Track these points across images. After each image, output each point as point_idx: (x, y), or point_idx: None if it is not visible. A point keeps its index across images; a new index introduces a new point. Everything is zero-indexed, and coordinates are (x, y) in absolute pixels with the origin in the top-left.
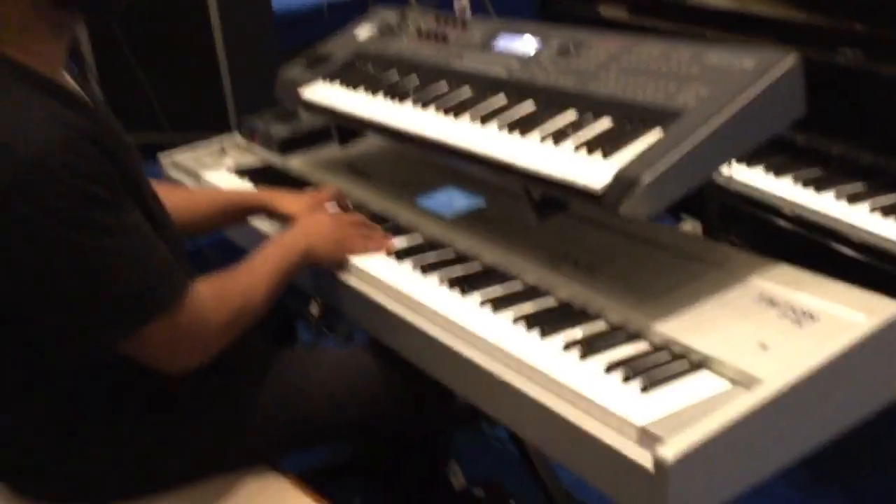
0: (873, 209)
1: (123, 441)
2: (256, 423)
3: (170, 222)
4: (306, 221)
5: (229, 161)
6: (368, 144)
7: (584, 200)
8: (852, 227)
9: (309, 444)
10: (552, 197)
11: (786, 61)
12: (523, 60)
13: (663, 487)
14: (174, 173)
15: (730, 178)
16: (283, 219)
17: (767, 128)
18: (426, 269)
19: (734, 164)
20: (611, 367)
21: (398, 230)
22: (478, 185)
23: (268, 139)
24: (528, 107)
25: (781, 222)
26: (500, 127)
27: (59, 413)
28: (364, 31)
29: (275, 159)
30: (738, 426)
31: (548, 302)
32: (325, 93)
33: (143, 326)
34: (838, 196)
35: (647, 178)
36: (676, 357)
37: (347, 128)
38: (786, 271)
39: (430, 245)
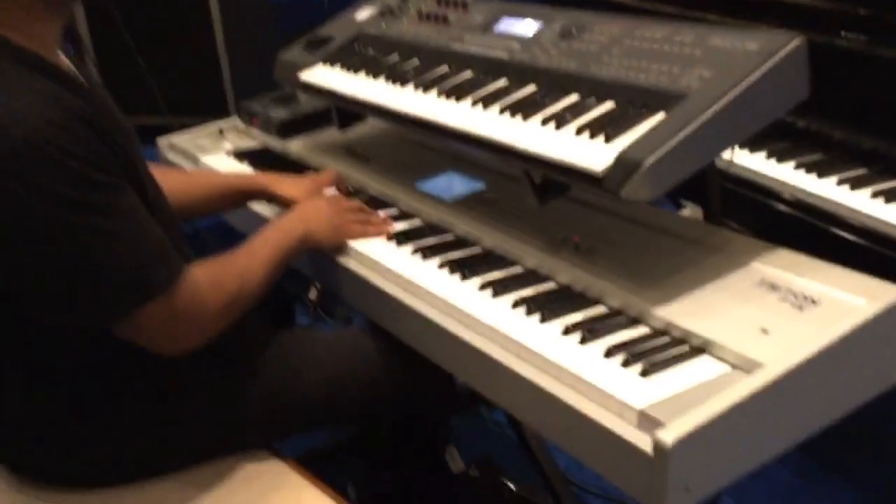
0: (875, 194)
1: (122, 425)
2: (256, 407)
3: (167, 204)
4: (305, 206)
5: (228, 145)
6: (368, 128)
7: (586, 183)
8: (854, 211)
9: (308, 427)
10: (552, 180)
11: (790, 43)
12: (525, 43)
13: (663, 471)
14: (172, 156)
15: (731, 163)
16: (283, 203)
17: (771, 111)
18: (426, 252)
19: (736, 150)
20: (610, 352)
21: (398, 214)
22: (478, 169)
23: (267, 123)
24: (529, 90)
25: (782, 207)
26: (502, 110)
27: (58, 396)
28: (364, 13)
29: (274, 143)
30: (738, 410)
31: (548, 286)
32: (324, 75)
33: (138, 309)
34: (840, 181)
35: (649, 160)
36: (676, 341)
37: (347, 111)
38: (787, 256)
39: (429, 229)
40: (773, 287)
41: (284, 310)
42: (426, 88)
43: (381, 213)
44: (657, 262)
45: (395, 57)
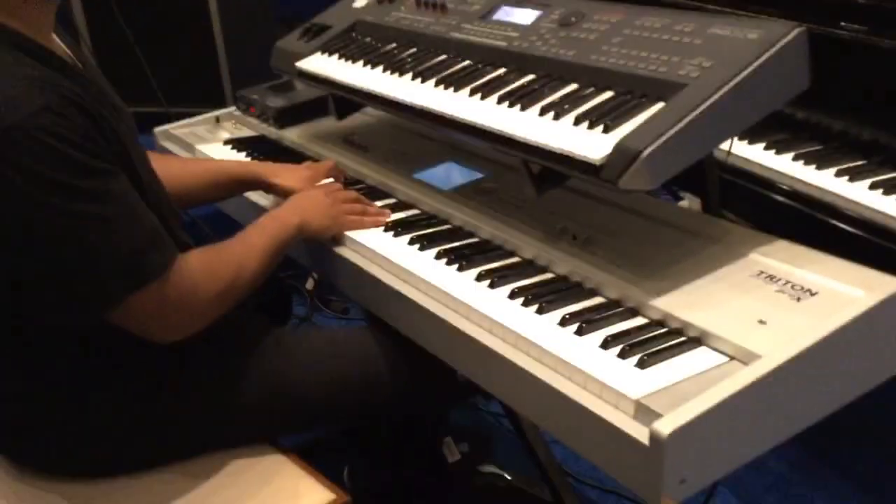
0: (873, 185)
1: (121, 421)
2: (255, 405)
3: (163, 191)
4: (302, 196)
5: (225, 134)
6: (366, 117)
7: (584, 173)
8: (852, 203)
9: (308, 426)
10: (551, 170)
11: (791, 33)
12: (524, 31)
13: (659, 462)
14: (168, 145)
15: (729, 154)
16: (280, 193)
17: (771, 101)
18: (423, 243)
19: (735, 140)
20: (607, 342)
21: (395, 204)
22: (476, 159)
23: (264, 111)
24: (528, 79)
25: (781, 198)
26: (500, 99)
27: (58, 392)
28: (362, 2)
29: (271, 132)
30: (735, 401)
31: (545, 276)
32: (322, 64)
33: (130, 295)
34: (839, 172)
35: (647, 150)
36: (674, 332)
37: (345, 100)
38: (785, 247)
39: (427, 219)
40: (771, 278)
41: (281, 300)
42: (424, 77)
43: (379, 203)
44: (655, 252)
45: (392, 45)
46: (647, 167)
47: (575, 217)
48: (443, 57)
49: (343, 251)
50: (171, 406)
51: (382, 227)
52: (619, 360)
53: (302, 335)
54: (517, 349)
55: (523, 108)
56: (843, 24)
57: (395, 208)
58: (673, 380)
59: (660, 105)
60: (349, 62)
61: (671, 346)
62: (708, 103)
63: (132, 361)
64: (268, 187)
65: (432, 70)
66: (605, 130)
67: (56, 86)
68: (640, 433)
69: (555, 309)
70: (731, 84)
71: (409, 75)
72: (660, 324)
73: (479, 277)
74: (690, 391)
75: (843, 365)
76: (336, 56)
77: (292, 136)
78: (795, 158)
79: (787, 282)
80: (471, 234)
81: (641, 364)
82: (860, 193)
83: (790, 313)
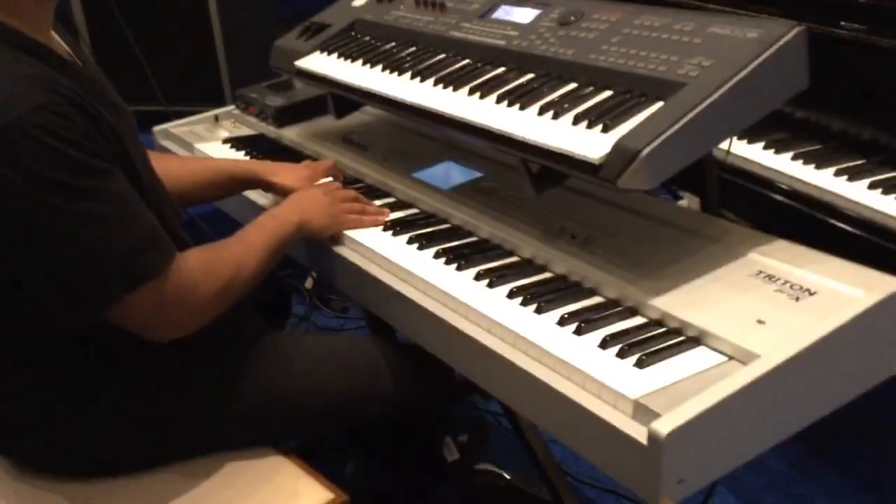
0: (873, 185)
1: (121, 422)
2: (255, 409)
3: (163, 189)
4: (301, 195)
5: (224, 132)
6: (365, 116)
7: (583, 172)
8: (851, 202)
9: (306, 432)
10: (550, 169)
11: (790, 32)
12: (523, 30)
13: (657, 462)
14: (168, 144)
15: (728, 153)
16: (278, 192)
17: (771, 100)
18: (422, 242)
19: (734, 140)
20: (606, 342)
21: (394, 203)
22: (475, 158)
23: (263, 111)
24: (527, 78)
25: (780, 198)
26: (499, 98)
27: (58, 393)
28: (361, 0)
29: (270, 131)
30: (734, 401)
31: (544, 276)
32: (321, 63)
33: (129, 294)
34: (838, 172)
35: (646, 149)
36: (672, 332)
37: (344, 99)
38: (784, 247)
39: (426, 218)
40: (770, 278)
41: (280, 299)
42: (423, 76)
43: (378, 202)
44: (654, 252)
45: (391, 44)
46: (646, 166)
47: (574, 216)
48: (442, 56)
49: (342, 250)
50: (171, 406)
51: (381, 227)
52: (618, 359)
53: (303, 343)
54: (516, 349)
55: (522, 108)
56: (842, 23)
57: (393, 207)
58: (671, 379)
59: (659, 104)
60: (348, 61)
61: (670, 346)
62: (707, 103)
63: (132, 361)
64: (267, 186)
65: (431, 69)
66: (604, 130)
67: (55, 84)
68: (639, 433)
69: (553, 308)
70: (731, 83)
71: (409, 74)
72: (658, 323)
73: (478, 277)
74: (689, 391)
75: (843, 364)
76: (335, 55)
77: (291, 134)
78: (794, 158)
79: (786, 281)
80: (470, 234)
81: (640, 364)
82: (859, 193)
83: (789, 313)
